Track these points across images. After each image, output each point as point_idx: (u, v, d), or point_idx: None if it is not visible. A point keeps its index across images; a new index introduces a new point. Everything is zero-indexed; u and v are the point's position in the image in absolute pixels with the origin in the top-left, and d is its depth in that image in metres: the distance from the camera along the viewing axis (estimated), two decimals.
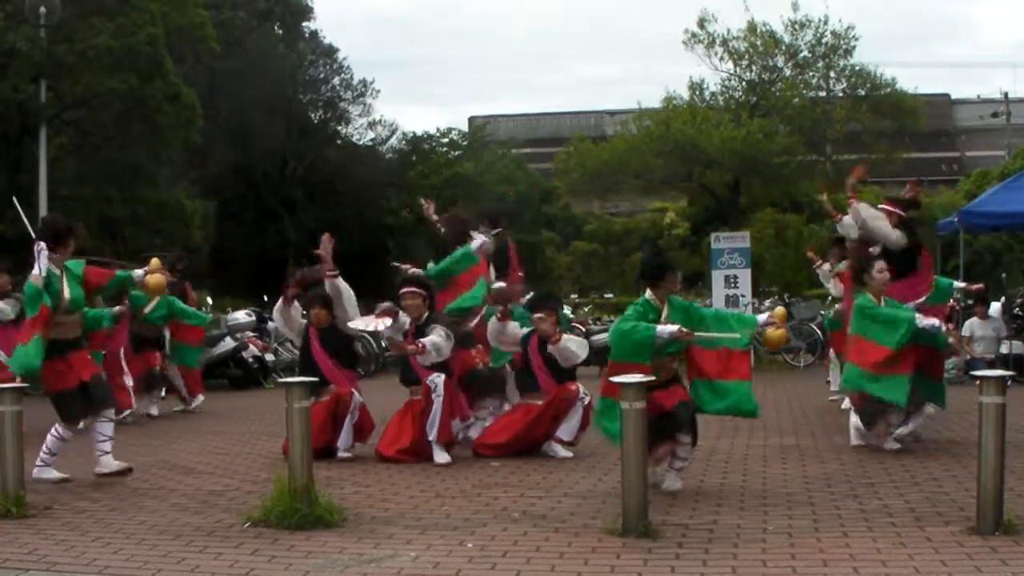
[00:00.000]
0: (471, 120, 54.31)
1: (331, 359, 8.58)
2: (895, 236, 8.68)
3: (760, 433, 8.98)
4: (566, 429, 8.38)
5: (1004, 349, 13.90)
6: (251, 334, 16.01)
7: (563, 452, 8.32)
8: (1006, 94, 45.39)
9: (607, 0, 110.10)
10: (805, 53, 33.94)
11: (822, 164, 35.82)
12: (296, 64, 33.42)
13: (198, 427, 10.82)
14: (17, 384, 6.77)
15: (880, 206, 9.10)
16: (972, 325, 14.19)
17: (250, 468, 8.12)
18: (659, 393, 6.62)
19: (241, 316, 16.61)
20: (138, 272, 8.00)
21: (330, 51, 36.04)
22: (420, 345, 8.03)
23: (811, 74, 34.48)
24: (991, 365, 12.88)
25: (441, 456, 8.09)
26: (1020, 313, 14.82)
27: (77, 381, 7.32)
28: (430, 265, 9.44)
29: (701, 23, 33.98)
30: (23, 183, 21.30)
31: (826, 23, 33.43)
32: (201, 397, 12.23)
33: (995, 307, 14.43)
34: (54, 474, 7.45)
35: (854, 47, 33.54)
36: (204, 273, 21.31)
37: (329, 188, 31.79)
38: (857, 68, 33.92)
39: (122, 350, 10.79)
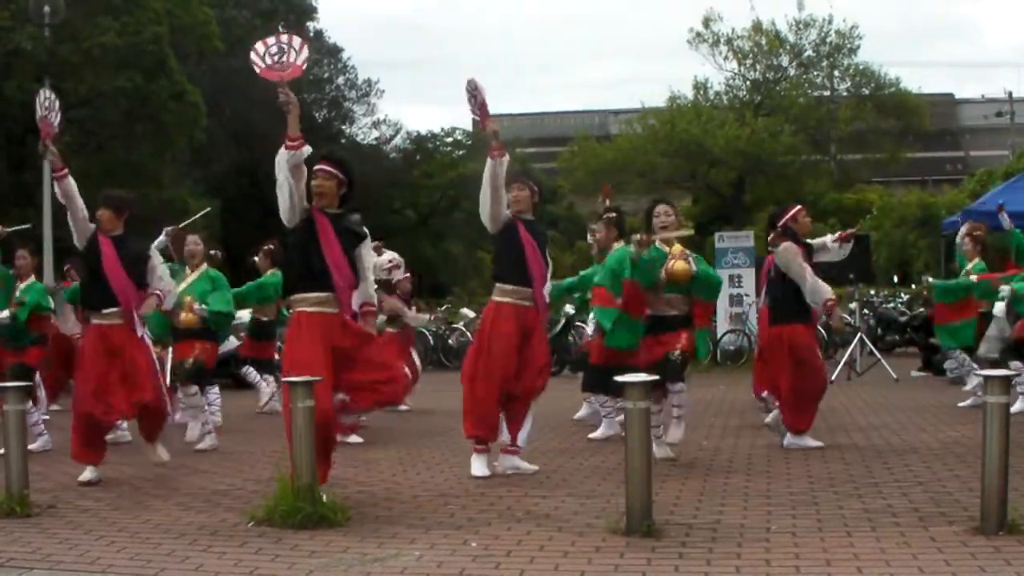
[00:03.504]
0: (475, 120, 54.29)
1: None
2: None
3: (764, 432, 8.97)
4: (522, 436, 7.54)
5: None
6: None
7: (528, 466, 7.58)
8: (1010, 93, 45.22)
9: (612, 1, 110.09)
10: (809, 52, 34.03)
11: (826, 163, 35.87)
12: None
13: None
14: (18, 384, 6.80)
15: None
16: None
17: (254, 467, 8.13)
18: (658, 340, 7.78)
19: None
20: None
21: (335, 51, 36.14)
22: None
23: (815, 73, 34.56)
24: (995, 365, 12.85)
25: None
26: None
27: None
28: None
29: (706, 22, 34.09)
30: (27, 182, 21.39)
31: (830, 23, 33.57)
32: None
33: (999, 307, 14.35)
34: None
35: (858, 46, 33.71)
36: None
37: None
38: (861, 67, 34.03)
39: None
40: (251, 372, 12.36)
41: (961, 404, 11.06)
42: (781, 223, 8.52)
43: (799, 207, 8.69)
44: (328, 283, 6.41)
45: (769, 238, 8.68)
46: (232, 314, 10.03)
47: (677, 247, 7.96)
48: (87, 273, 7.69)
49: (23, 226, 9.95)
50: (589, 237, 10.24)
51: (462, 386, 7.45)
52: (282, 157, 6.25)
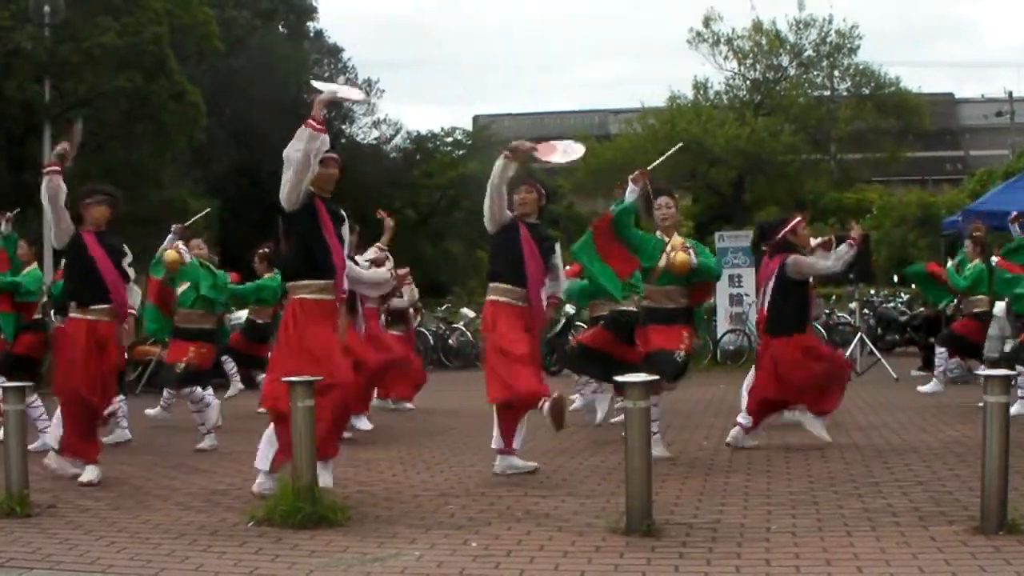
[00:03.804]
0: (475, 119, 54.25)
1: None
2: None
3: (764, 433, 8.97)
4: (516, 439, 7.55)
5: (1008, 348, 13.85)
6: None
7: (526, 464, 7.56)
8: (1010, 93, 45.13)
9: (612, 1, 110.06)
10: (809, 52, 34.07)
11: (826, 163, 35.90)
12: (301, 63, 33.45)
13: None
14: (20, 384, 6.80)
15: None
16: None
17: (254, 467, 8.11)
18: (656, 329, 7.85)
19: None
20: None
21: (335, 50, 36.15)
22: None
23: (815, 73, 34.60)
24: (995, 364, 12.85)
25: None
26: None
27: None
28: None
29: (706, 22, 34.13)
30: (28, 182, 21.35)
31: (830, 22, 33.65)
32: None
33: (999, 306, 14.38)
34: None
35: (858, 46, 33.76)
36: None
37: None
38: (861, 67, 34.08)
39: None
40: (229, 363, 12.42)
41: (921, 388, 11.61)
42: (780, 235, 8.51)
43: (799, 219, 8.64)
44: (331, 269, 6.52)
45: (766, 247, 8.69)
46: (214, 300, 9.81)
47: (677, 239, 7.97)
48: (75, 269, 7.60)
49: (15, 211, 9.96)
50: None
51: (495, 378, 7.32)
52: (310, 138, 6.28)
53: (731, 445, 8.48)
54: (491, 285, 7.49)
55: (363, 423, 9.92)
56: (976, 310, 11.70)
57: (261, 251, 11.86)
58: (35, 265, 9.73)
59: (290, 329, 6.46)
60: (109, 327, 7.47)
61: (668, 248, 7.88)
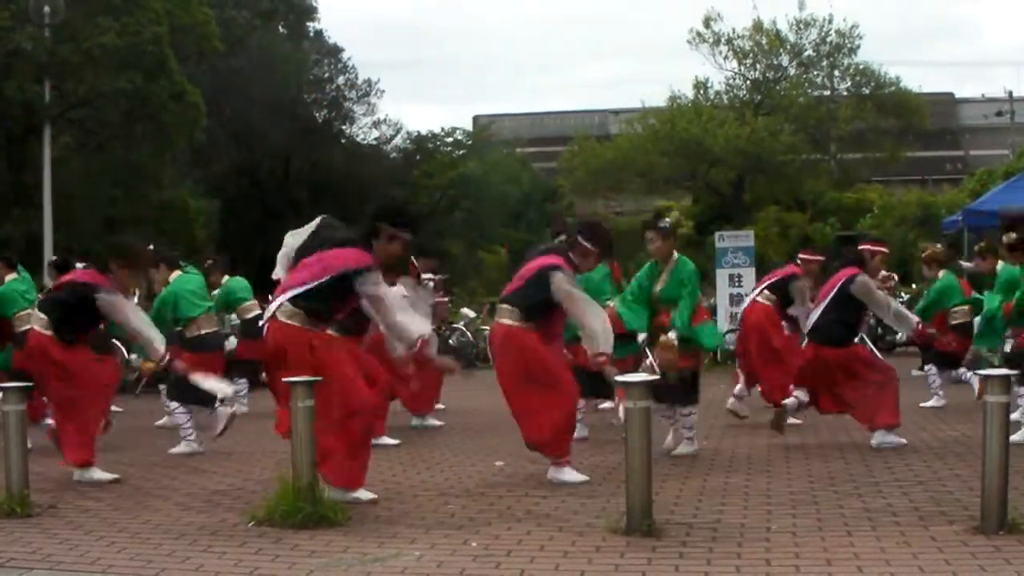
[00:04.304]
0: (475, 119, 54.18)
1: None
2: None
3: (764, 432, 8.97)
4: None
5: (1008, 348, 13.83)
6: None
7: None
8: (1010, 93, 45.13)
9: (612, 1, 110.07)
10: (810, 52, 34.07)
11: (826, 162, 35.89)
12: (301, 63, 33.42)
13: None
14: (20, 384, 6.79)
15: None
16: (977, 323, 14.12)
17: (254, 467, 8.13)
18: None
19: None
20: None
21: (335, 51, 36.06)
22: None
23: (815, 73, 34.60)
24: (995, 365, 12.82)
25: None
26: None
27: None
28: None
29: (706, 22, 34.13)
30: (28, 182, 21.36)
31: (831, 22, 33.65)
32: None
33: None
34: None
35: (858, 46, 33.77)
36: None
37: (334, 188, 31.81)
38: (861, 67, 34.08)
39: None
40: (241, 385, 12.20)
41: (924, 404, 11.15)
42: (862, 247, 8.71)
43: (886, 251, 9.05)
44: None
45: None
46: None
47: (664, 339, 7.92)
48: (86, 319, 7.68)
49: None
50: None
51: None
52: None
53: (785, 408, 8.56)
54: (510, 309, 7.25)
55: (385, 440, 9.67)
56: (955, 322, 11.55)
57: (209, 262, 11.87)
58: (10, 277, 9.50)
59: (307, 357, 6.32)
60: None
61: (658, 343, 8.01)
